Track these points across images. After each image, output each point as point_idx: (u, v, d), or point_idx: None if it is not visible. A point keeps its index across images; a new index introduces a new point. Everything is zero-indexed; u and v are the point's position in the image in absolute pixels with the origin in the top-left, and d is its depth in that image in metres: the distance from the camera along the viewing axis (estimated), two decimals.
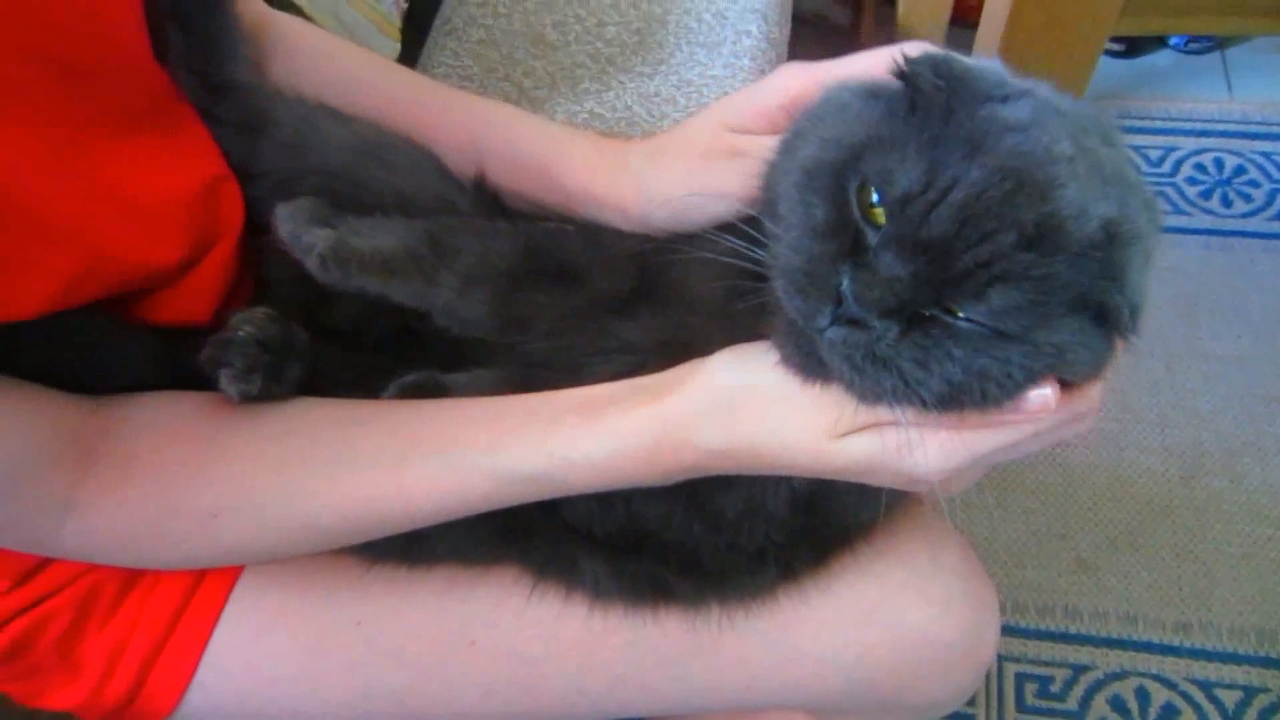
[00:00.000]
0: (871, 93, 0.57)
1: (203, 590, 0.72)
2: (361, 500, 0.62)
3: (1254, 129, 1.91)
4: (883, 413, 0.56)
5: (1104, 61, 2.03)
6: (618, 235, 0.72)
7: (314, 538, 0.65)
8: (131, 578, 0.72)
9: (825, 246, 0.54)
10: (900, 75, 0.55)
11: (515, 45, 1.25)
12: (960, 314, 0.51)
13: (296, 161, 0.74)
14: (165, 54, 0.73)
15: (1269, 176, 1.85)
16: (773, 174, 0.61)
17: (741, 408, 0.59)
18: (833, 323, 0.53)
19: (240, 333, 0.64)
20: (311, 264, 0.67)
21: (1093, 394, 0.58)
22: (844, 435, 0.57)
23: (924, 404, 0.53)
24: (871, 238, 0.53)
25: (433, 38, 1.30)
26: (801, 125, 0.61)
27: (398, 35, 1.28)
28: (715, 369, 0.61)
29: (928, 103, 0.53)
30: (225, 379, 0.63)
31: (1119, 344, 0.55)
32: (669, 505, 0.66)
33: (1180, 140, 1.90)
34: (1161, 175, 1.86)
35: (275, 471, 0.63)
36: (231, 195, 0.72)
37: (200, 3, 0.74)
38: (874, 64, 0.60)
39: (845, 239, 0.53)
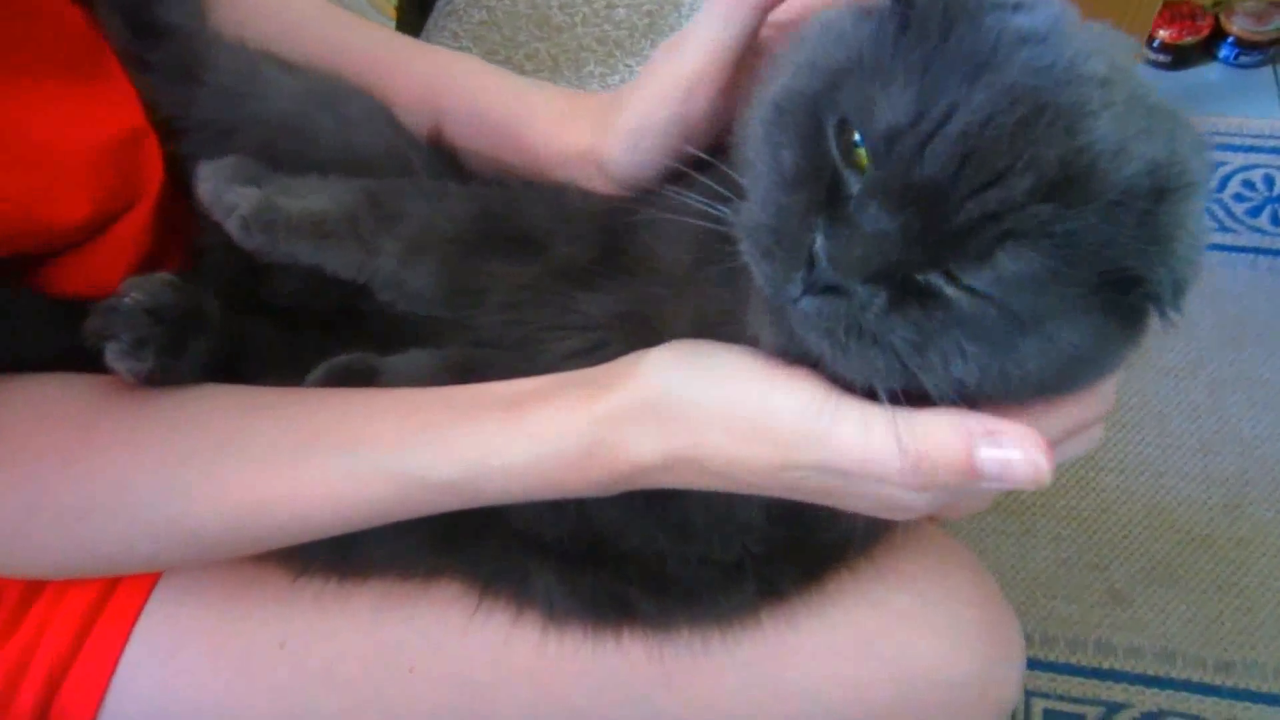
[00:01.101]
0: (865, 11, 0.48)
1: (113, 604, 0.64)
2: (247, 503, 0.54)
3: None
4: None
5: (1149, 73, 1.95)
6: (583, 197, 0.63)
7: (198, 545, 0.57)
8: (34, 588, 0.64)
9: (796, 198, 0.45)
10: None
11: (518, 27, 1.21)
12: (962, 281, 0.42)
13: (235, 112, 0.67)
14: None
15: None
16: (746, 113, 0.51)
17: (679, 415, 0.49)
18: (805, 291, 0.44)
19: (126, 299, 0.55)
20: (233, 227, 0.60)
21: (1108, 392, 0.49)
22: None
23: (925, 391, 0.44)
24: (853, 186, 0.44)
25: (433, 18, 1.26)
26: (782, 51, 0.51)
27: (394, 14, 1.24)
28: (656, 366, 0.51)
29: (922, 19, 0.44)
30: (111, 354, 0.55)
31: (1150, 327, 0.46)
32: (626, 509, 0.56)
33: (1228, 156, 1.81)
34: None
35: (154, 466, 0.55)
36: (151, 152, 0.65)
37: None
38: None
39: (820, 188, 0.44)
